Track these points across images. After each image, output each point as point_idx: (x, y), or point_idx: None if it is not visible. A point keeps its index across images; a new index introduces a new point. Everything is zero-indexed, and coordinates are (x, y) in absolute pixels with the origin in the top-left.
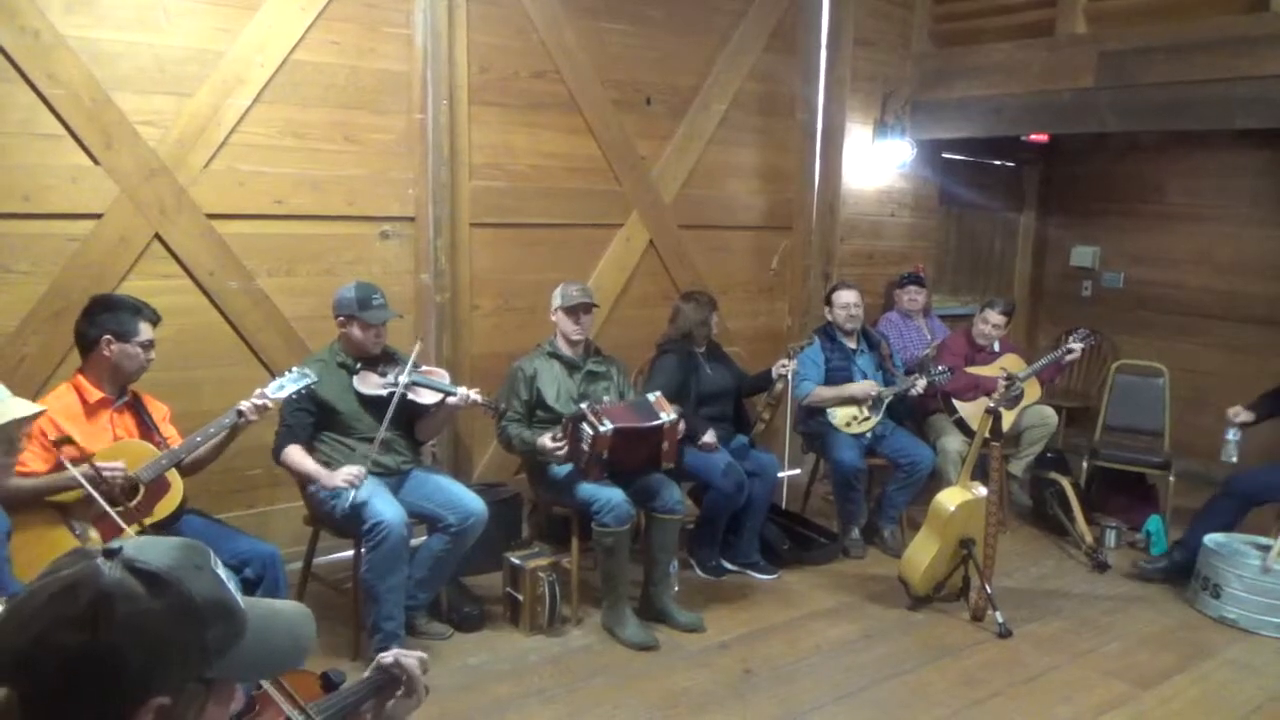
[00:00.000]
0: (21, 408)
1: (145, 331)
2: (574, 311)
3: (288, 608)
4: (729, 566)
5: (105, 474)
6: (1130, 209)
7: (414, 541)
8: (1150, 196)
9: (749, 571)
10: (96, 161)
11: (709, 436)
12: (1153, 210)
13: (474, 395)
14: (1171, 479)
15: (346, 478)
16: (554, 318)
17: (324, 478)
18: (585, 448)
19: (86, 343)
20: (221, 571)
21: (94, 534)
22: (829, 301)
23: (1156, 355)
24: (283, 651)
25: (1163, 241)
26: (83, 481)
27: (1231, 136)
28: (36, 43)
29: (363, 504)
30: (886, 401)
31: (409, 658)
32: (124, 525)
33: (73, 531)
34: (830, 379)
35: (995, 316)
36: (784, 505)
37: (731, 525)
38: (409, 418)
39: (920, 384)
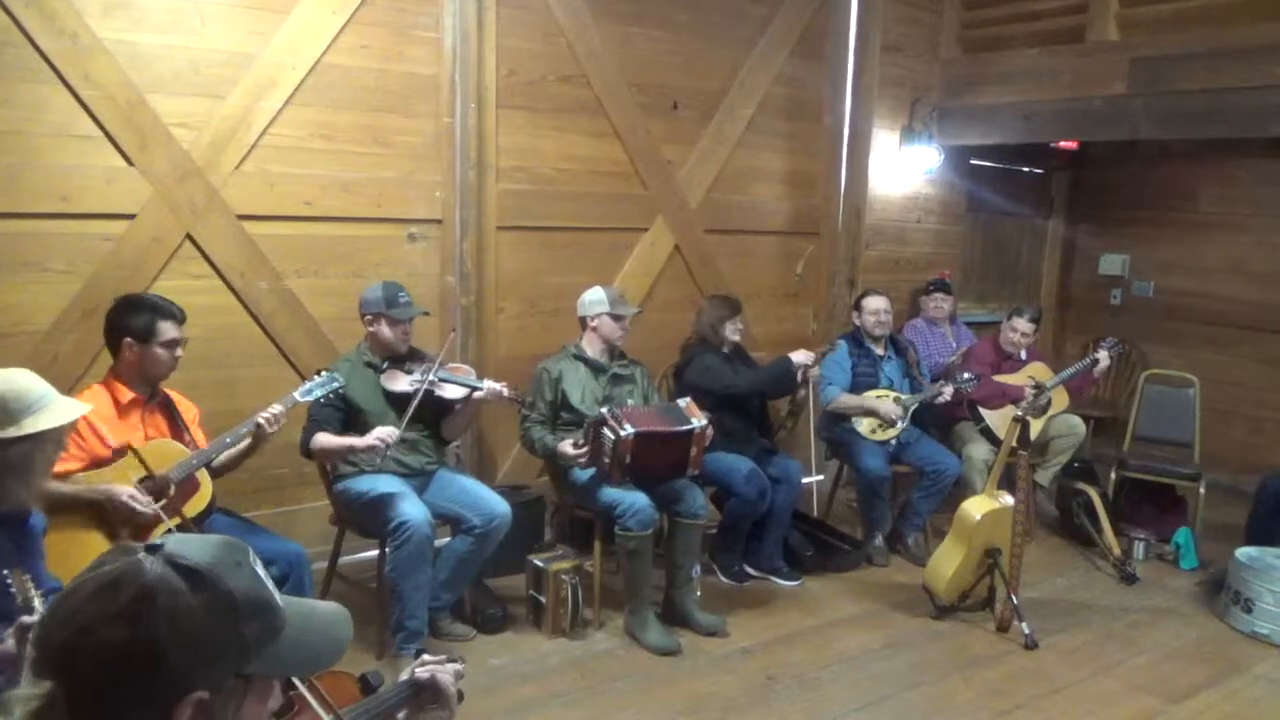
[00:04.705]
0: (71, 410)
1: (166, 331)
2: (622, 317)
3: (325, 607)
4: (752, 572)
5: (140, 507)
6: (1161, 217)
7: (438, 542)
8: (1181, 204)
9: (772, 578)
10: (131, 163)
11: (800, 356)
12: (1184, 218)
13: (500, 387)
14: (1201, 491)
15: (380, 436)
16: (594, 321)
17: (357, 443)
18: (608, 451)
19: (112, 344)
20: (260, 569)
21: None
22: (858, 307)
23: (1186, 365)
24: (320, 650)
25: (1194, 250)
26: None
27: (1265, 144)
28: (74, 45)
29: (389, 503)
30: (912, 409)
31: (444, 673)
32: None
33: (108, 538)
34: (856, 385)
35: (1023, 324)
36: (807, 512)
37: (755, 531)
38: (435, 416)
39: (947, 391)
